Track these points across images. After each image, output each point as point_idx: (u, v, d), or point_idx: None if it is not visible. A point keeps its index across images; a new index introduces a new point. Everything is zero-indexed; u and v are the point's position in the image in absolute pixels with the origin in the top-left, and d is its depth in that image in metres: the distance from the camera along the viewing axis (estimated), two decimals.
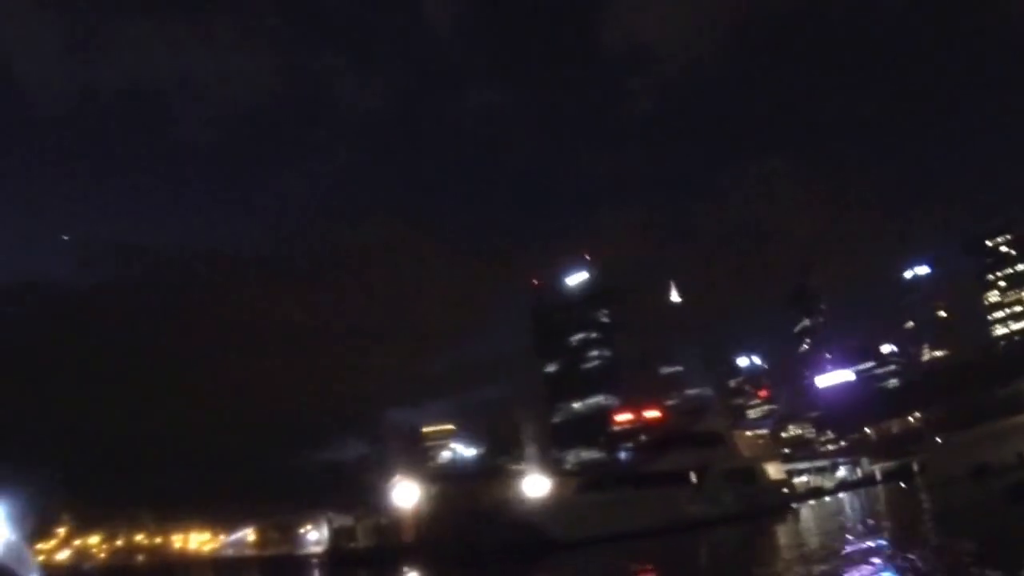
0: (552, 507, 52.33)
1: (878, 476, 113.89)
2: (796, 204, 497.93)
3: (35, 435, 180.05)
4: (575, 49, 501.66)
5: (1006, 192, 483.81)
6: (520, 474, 75.26)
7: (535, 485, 64.81)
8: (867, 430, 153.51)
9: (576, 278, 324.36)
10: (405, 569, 47.71)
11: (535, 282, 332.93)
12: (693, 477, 59.16)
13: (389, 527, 64.78)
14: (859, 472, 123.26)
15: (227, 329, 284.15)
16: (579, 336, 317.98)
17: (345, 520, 76.46)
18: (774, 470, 75.04)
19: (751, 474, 66.83)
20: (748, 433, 78.85)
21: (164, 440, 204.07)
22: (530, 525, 48.43)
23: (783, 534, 40.24)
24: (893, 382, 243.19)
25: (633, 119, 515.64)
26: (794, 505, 70.93)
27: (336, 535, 73.27)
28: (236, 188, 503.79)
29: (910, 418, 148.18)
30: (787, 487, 77.14)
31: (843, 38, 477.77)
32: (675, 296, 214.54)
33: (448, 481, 67.68)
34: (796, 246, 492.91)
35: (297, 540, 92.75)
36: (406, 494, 66.00)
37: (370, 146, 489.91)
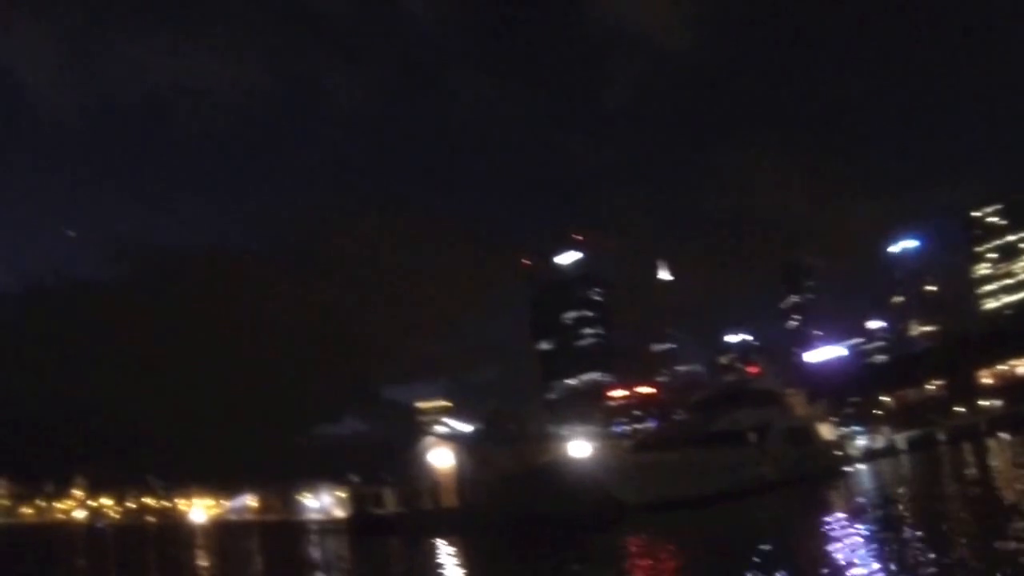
0: (617, 468, 47.36)
1: (901, 445, 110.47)
2: (785, 184, 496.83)
3: (62, 408, 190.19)
4: (559, 36, 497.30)
5: (996, 165, 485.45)
6: (558, 438, 69.63)
7: (580, 448, 59.81)
8: (884, 399, 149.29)
9: (568, 258, 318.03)
10: (444, 538, 42.15)
11: (525, 262, 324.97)
12: (752, 437, 54.74)
13: (423, 492, 59.62)
14: (881, 441, 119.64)
15: (235, 315, 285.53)
16: (572, 315, 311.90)
17: (367, 488, 71.57)
18: (827, 431, 71.28)
19: (807, 435, 62.92)
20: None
21: (177, 416, 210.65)
22: (598, 488, 43.55)
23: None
24: (881, 357, 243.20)
25: (617, 106, 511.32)
26: (847, 468, 67.06)
27: (359, 500, 67.86)
28: (235, 186, 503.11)
29: (928, 387, 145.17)
30: (840, 449, 73.29)
31: (827, 21, 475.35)
32: (666, 275, 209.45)
33: (490, 443, 62.14)
34: (786, 225, 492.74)
35: (298, 507, 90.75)
36: (441, 458, 61.04)
37: (362, 140, 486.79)
